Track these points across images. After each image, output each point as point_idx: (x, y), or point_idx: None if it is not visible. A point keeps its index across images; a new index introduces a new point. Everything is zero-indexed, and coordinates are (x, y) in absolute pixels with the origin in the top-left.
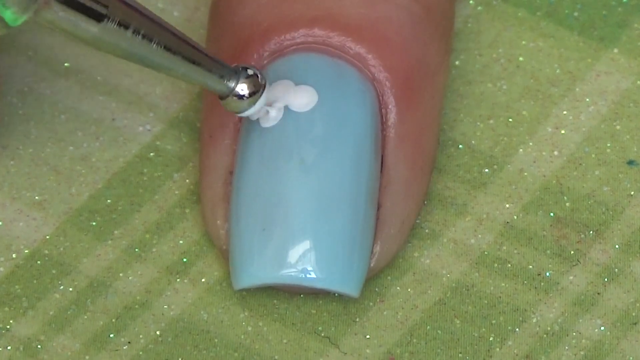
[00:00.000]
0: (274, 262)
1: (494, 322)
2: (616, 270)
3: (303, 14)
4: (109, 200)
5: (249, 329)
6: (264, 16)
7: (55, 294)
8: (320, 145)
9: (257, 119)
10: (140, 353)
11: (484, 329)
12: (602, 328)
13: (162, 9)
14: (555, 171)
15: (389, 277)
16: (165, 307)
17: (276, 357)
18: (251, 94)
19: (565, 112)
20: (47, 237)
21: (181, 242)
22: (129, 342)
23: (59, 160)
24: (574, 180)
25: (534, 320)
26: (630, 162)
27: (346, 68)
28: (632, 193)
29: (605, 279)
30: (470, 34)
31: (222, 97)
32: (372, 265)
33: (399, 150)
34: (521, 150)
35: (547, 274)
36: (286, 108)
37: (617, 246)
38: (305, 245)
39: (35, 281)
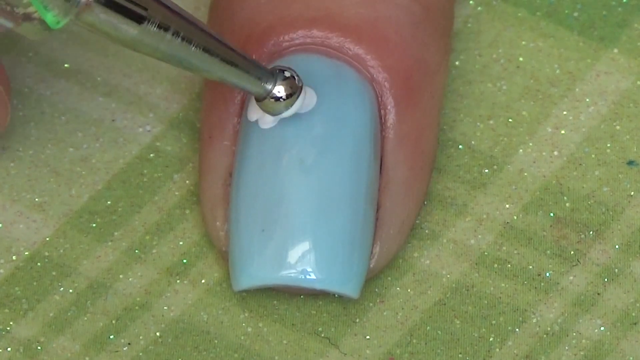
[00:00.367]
0: (274, 263)
1: (494, 322)
2: (616, 270)
3: (301, 14)
4: (109, 202)
5: (249, 329)
6: (262, 17)
7: (55, 295)
8: (320, 146)
9: (256, 120)
10: (140, 354)
11: (484, 330)
12: (602, 328)
13: None
14: (555, 171)
15: (389, 278)
16: (165, 308)
17: (276, 357)
18: (288, 96)
19: (565, 112)
20: (47, 238)
21: (181, 243)
22: (129, 344)
23: (59, 161)
24: (574, 181)
25: (534, 320)
26: (630, 163)
27: (345, 69)
28: (632, 193)
29: (605, 279)
30: (470, 34)
31: (259, 99)
32: (371, 265)
33: (399, 151)
34: (521, 150)
35: (547, 274)
36: None
37: (617, 246)
38: (305, 246)
39: (35, 283)
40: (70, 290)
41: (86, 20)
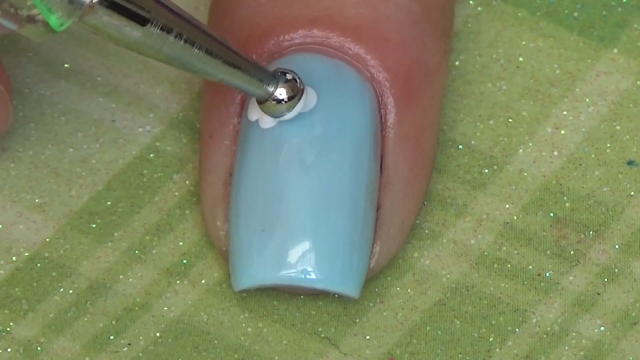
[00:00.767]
0: (274, 263)
1: (493, 322)
2: (616, 270)
3: (302, 14)
4: (108, 202)
5: (249, 330)
6: (262, 17)
7: (55, 296)
8: (319, 145)
9: (257, 120)
10: (140, 355)
11: (483, 330)
12: (602, 328)
13: None
14: (555, 171)
15: (388, 278)
16: (165, 308)
17: (276, 358)
18: (290, 99)
19: (565, 113)
20: (47, 239)
21: (181, 243)
22: (129, 344)
23: (59, 162)
24: (574, 181)
25: (534, 320)
26: (630, 163)
27: (345, 68)
28: (632, 193)
29: (605, 279)
30: (470, 34)
31: (261, 102)
32: (372, 265)
33: (399, 150)
34: (521, 150)
35: (547, 274)
36: None
37: (617, 246)
38: (305, 245)
39: (35, 284)
40: (70, 291)
41: (89, 22)
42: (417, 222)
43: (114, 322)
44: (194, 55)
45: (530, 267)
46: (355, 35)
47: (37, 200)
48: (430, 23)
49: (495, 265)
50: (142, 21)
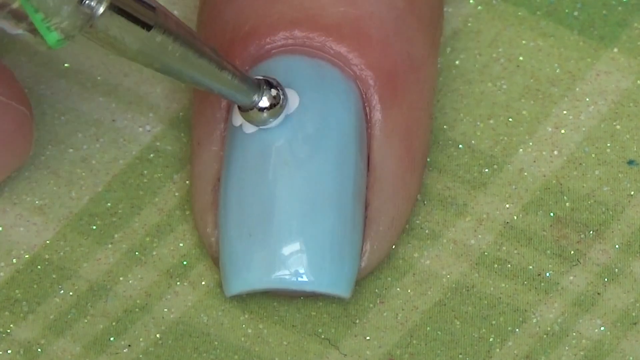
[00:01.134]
0: (263, 267)
1: (494, 322)
2: (616, 270)
3: (283, 16)
4: (109, 204)
5: (249, 331)
6: (244, 19)
7: (56, 298)
8: (304, 147)
9: (241, 125)
10: (141, 356)
11: (484, 330)
12: (602, 328)
13: None
14: (555, 171)
15: (388, 278)
16: (166, 310)
17: (276, 359)
18: (272, 106)
19: (565, 112)
20: (48, 241)
21: (181, 245)
22: (129, 346)
23: (59, 163)
24: (574, 180)
25: (534, 320)
26: (630, 162)
27: (328, 68)
28: (632, 193)
29: (605, 279)
30: (470, 33)
31: (244, 110)
32: (363, 264)
33: (386, 148)
34: (521, 150)
35: (547, 274)
36: None
37: (617, 246)
38: (294, 247)
39: (35, 286)
40: (71, 293)
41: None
42: (417, 222)
43: (114, 324)
44: (189, 62)
45: (531, 267)
46: (337, 34)
47: (37, 202)
48: (415, 16)
49: (496, 265)
50: (146, 26)
